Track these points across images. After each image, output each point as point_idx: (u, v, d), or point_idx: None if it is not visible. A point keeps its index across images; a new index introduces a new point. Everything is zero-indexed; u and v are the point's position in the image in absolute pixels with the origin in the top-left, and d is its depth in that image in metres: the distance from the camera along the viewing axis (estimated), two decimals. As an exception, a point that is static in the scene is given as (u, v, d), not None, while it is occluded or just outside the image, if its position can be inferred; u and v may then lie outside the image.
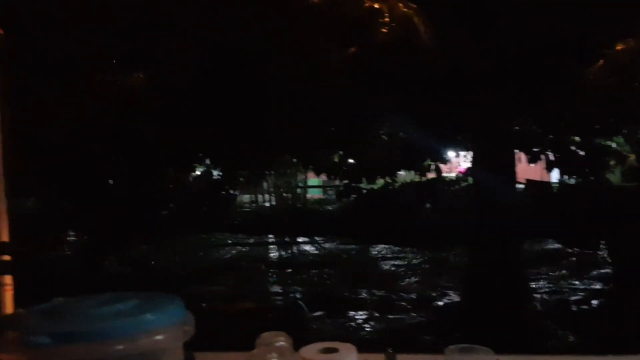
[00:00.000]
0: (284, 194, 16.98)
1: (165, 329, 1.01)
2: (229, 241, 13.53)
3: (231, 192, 14.19)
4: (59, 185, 7.00)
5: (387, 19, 2.61)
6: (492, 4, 4.10)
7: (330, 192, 20.22)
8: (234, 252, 12.59)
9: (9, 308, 2.30)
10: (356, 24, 2.74)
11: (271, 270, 10.15)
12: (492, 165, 6.69)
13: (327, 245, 13.00)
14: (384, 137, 6.68)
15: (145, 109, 4.39)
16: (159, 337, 1.00)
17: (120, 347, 0.95)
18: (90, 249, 8.82)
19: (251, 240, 13.82)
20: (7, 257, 2.31)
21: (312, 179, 19.29)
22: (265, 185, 16.53)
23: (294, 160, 13.69)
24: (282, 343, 1.47)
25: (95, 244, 8.58)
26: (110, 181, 7.60)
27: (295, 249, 12.79)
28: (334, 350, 1.30)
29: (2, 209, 2.38)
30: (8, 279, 2.29)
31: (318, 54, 3.28)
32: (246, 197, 19.01)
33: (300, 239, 13.45)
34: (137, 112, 4.43)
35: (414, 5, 2.74)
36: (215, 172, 12.55)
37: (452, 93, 4.56)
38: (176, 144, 5.39)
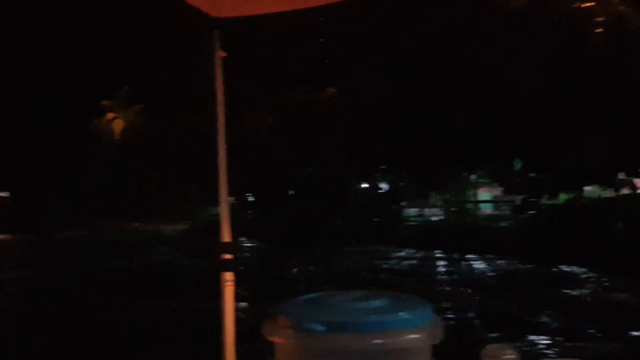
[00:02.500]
0: (453, 209, 16.59)
1: (418, 328, 1.04)
2: (398, 254, 13.54)
3: (398, 205, 14.27)
4: (250, 192, 7.59)
5: (598, 19, 2.44)
6: None
7: (503, 207, 19.31)
8: (401, 264, 12.56)
9: (229, 303, 2.53)
10: (562, 26, 2.60)
11: (442, 287, 9.94)
12: None
13: (500, 263, 12.39)
14: (572, 147, 6.21)
15: (333, 123, 4.59)
16: (414, 335, 1.03)
17: (381, 341, 1.00)
18: (272, 253, 9.41)
19: (419, 254, 13.70)
20: (229, 256, 2.54)
21: (484, 194, 18.60)
22: (432, 199, 16.31)
23: (464, 173, 13.35)
24: (510, 356, 1.43)
25: (277, 248, 9.14)
26: (292, 191, 8.08)
27: (464, 265, 12.39)
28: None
29: (225, 211, 2.62)
30: (230, 276, 2.52)
31: (515, 60, 3.16)
32: (412, 211, 18.89)
33: (470, 256, 13.01)
34: (326, 125, 4.65)
35: (628, 2, 2.53)
36: (383, 185, 12.69)
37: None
38: (359, 157, 5.56)
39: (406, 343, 1.02)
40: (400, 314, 1.03)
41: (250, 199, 8.86)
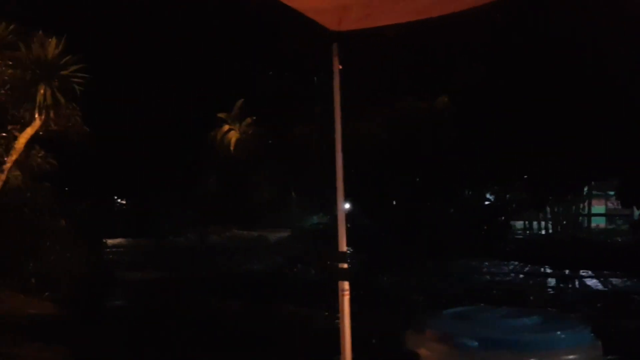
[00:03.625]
0: (564, 222, 15.70)
1: (576, 348, 0.99)
2: (505, 268, 13.01)
3: (506, 217, 13.71)
4: (353, 201, 7.62)
5: None
6: None
7: (619, 221, 18.01)
8: (508, 279, 12.05)
9: (346, 312, 2.53)
10: None
11: (553, 304, 9.44)
12: None
13: (617, 281, 11.58)
14: None
15: (442, 133, 4.52)
16: (571, 356, 0.98)
17: (537, 360, 0.95)
18: (369, 264, 9.36)
19: (526, 269, 13.08)
20: (345, 265, 2.55)
21: (597, 207, 17.47)
22: (542, 211, 15.50)
23: (579, 185, 12.59)
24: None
25: (375, 260, 9.08)
26: (394, 202, 8.01)
27: (577, 283, 11.70)
28: None
29: (342, 221, 2.63)
30: (346, 285, 2.52)
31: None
32: (519, 224, 18.05)
33: (584, 272, 12.26)
34: (435, 135, 4.58)
35: None
36: (490, 197, 12.25)
37: None
38: (466, 168, 5.42)
39: (560, 365, 0.97)
40: (558, 332, 0.98)
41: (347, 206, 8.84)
